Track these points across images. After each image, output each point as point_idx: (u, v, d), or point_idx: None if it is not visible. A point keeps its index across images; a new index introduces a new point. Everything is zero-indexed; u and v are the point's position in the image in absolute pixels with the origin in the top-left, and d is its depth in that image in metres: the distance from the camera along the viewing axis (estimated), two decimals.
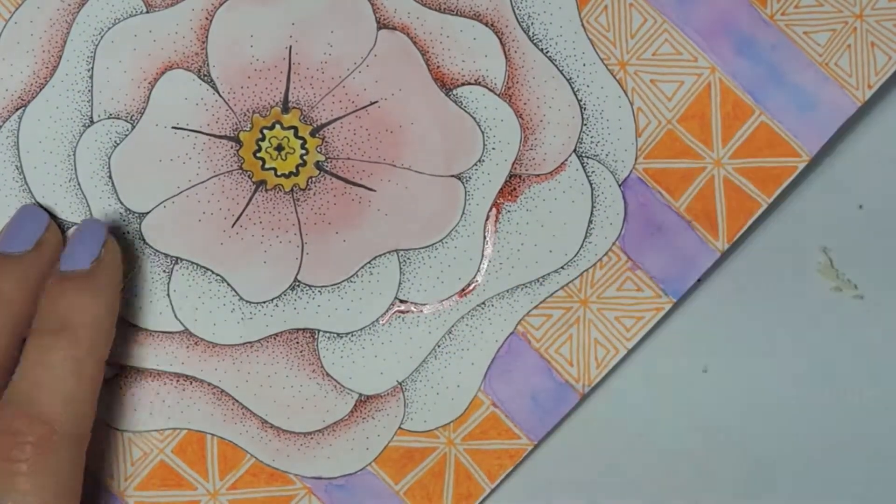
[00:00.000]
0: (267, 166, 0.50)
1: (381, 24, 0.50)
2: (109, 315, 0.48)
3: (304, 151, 0.50)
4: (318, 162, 0.50)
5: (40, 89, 0.49)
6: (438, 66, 0.50)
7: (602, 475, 0.52)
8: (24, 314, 0.48)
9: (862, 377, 0.53)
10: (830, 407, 0.53)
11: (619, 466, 0.53)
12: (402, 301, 0.51)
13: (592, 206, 0.51)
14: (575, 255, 0.51)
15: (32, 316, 0.48)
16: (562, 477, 0.52)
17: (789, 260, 0.53)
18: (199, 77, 0.50)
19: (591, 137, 0.51)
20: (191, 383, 0.50)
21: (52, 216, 0.49)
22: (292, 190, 0.50)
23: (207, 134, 0.50)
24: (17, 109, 0.49)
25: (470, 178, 0.51)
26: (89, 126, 0.50)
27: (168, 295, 0.50)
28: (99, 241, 0.48)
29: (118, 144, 0.50)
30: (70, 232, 0.49)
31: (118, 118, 0.50)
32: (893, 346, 0.53)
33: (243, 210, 0.50)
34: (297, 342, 0.51)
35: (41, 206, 0.50)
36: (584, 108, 0.50)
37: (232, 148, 0.50)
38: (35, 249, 0.48)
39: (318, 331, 0.51)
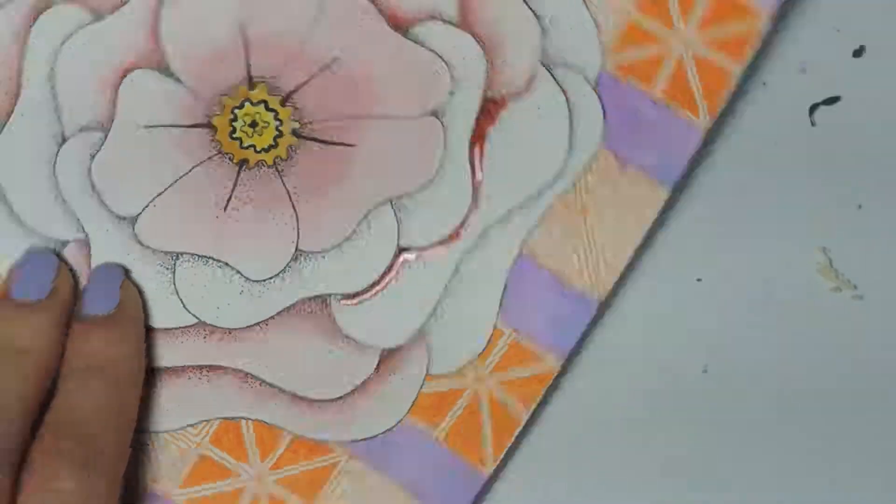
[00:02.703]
0: (245, 145, 0.50)
1: None
2: (138, 355, 0.48)
3: (278, 122, 0.50)
4: (294, 130, 0.50)
5: (7, 118, 0.49)
6: (391, 9, 0.50)
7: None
8: (47, 362, 0.47)
9: (861, 377, 0.52)
10: (830, 407, 0.52)
11: (619, 458, 0.52)
12: (404, 249, 0.50)
13: (570, 113, 0.50)
14: (564, 165, 0.50)
15: (54, 363, 0.48)
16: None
17: (789, 260, 0.52)
18: (161, 72, 0.50)
19: (554, 45, 0.50)
20: (215, 372, 0.50)
21: (59, 256, 0.49)
22: (275, 163, 0.50)
23: (180, 126, 0.50)
24: None
25: (445, 112, 0.50)
26: (63, 143, 0.50)
27: (176, 291, 0.50)
28: (117, 282, 0.49)
29: (95, 154, 0.50)
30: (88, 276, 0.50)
31: (90, 129, 0.50)
32: (893, 346, 0.52)
33: (231, 192, 0.50)
34: (311, 311, 0.50)
35: (49, 249, 0.49)
36: (541, 18, 0.50)
37: (207, 134, 0.50)
38: (50, 297, 0.48)
39: (329, 295, 0.50)
